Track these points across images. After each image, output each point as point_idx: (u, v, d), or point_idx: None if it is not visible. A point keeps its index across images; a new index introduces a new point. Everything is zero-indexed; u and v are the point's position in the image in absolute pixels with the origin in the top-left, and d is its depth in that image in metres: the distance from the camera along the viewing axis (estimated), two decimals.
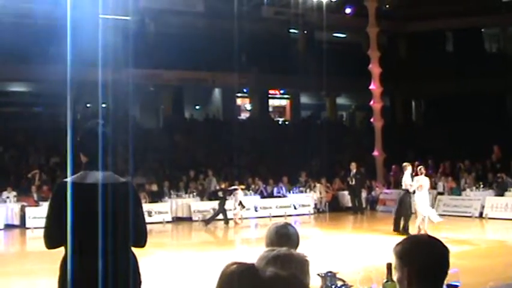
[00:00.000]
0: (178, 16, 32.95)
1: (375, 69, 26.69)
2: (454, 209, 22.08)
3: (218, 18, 31.57)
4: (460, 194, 22.90)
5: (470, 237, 16.87)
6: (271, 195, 24.43)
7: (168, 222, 21.63)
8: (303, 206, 24.01)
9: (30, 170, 23.33)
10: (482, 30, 37.67)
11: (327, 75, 26.41)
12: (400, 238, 2.85)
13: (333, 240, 17.43)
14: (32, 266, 13.57)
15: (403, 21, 35.54)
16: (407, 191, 16.98)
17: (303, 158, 26.99)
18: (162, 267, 12.45)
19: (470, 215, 21.43)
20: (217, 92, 36.23)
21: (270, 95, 37.52)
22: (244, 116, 37.32)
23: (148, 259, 11.52)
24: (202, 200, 23.21)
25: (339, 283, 4.07)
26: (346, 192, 24.83)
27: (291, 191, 24.66)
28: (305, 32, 36.05)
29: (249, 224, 21.68)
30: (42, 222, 4.16)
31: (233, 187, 21.49)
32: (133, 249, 4.14)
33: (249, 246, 16.99)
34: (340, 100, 37.97)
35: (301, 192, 24.78)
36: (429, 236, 2.79)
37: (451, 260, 2.67)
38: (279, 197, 24.35)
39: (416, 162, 18.39)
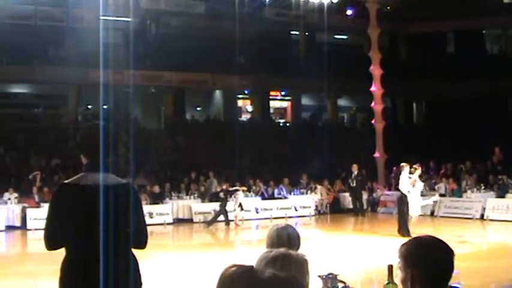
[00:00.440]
0: (179, 18, 33.02)
1: (376, 70, 26.69)
2: (455, 211, 22.08)
3: (219, 20, 31.62)
4: (461, 196, 22.90)
5: (471, 239, 16.85)
6: (272, 197, 24.41)
7: (169, 223, 21.61)
8: (304, 207, 24.00)
9: (31, 171, 23.31)
10: (484, 31, 37.69)
11: (328, 77, 26.42)
12: (403, 240, 2.85)
13: (333, 242, 17.42)
14: (32, 268, 13.59)
15: (404, 22, 35.57)
16: (402, 192, 17.05)
17: (304, 160, 26.99)
18: (163, 269, 12.44)
19: (471, 217, 21.41)
20: (218, 93, 36.25)
21: (271, 97, 37.53)
22: (245, 117, 37.32)
23: (149, 261, 11.51)
24: (203, 201, 23.20)
25: (340, 285, 4.07)
26: (347, 194, 24.81)
27: (292, 193, 24.64)
28: (306, 33, 36.08)
29: (250, 225, 21.68)
30: (43, 224, 4.16)
31: (234, 188, 21.47)
32: (134, 250, 4.14)
33: (250, 248, 16.98)
34: (341, 102, 37.98)
35: (302, 193, 24.77)
36: (434, 238, 2.75)
37: None
38: (280, 198, 24.33)
39: (416, 165, 18.32)
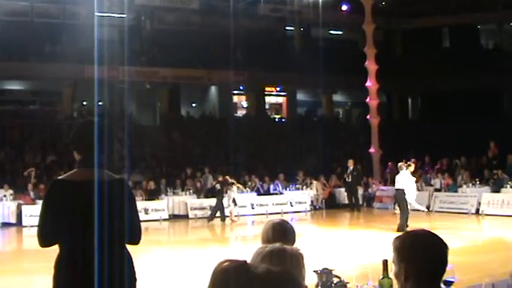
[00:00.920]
0: (174, 13, 32.95)
1: (371, 66, 26.71)
2: (450, 206, 22.14)
3: (214, 16, 31.57)
4: (456, 191, 22.96)
5: (466, 234, 16.90)
6: (267, 193, 24.41)
7: (164, 219, 21.61)
8: (300, 203, 24.00)
9: (27, 168, 23.26)
10: (479, 26, 37.74)
11: (323, 72, 26.41)
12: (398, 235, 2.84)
13: (329, 237, 17.45)
14: (28, 264, 13.57)
15: (400, 18, 35.59)
16: (398, 189, 17.07)
17: (300, 155, 27.00)
18: (158, 265, 12.45)
19: (467, 212, 21.47)
20: (213, 89, 36.21)
21: (266, 92, 37.50)
22: (240, 113, 37.28)
23: (144, 257, 11.51)
24: (198, 197, 23.20)
25: (335, 280, 4.07)
26: (342, 189, 24.83)
27: (288, 188, 24.65)
28: (301, 29, 36.07)
29: (246, 221, 21.68)
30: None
31: (230, 180, 21.34)
32: (129, 246, 4.13)
33: (245, 244, 16.98)
34: (337, 97, 37.96)
35: (298, 189, 24.77)
36: (428, 232, 2.72)
37: None
38: (276, 194, 24.33)
39: (411, 161, 18.31)
